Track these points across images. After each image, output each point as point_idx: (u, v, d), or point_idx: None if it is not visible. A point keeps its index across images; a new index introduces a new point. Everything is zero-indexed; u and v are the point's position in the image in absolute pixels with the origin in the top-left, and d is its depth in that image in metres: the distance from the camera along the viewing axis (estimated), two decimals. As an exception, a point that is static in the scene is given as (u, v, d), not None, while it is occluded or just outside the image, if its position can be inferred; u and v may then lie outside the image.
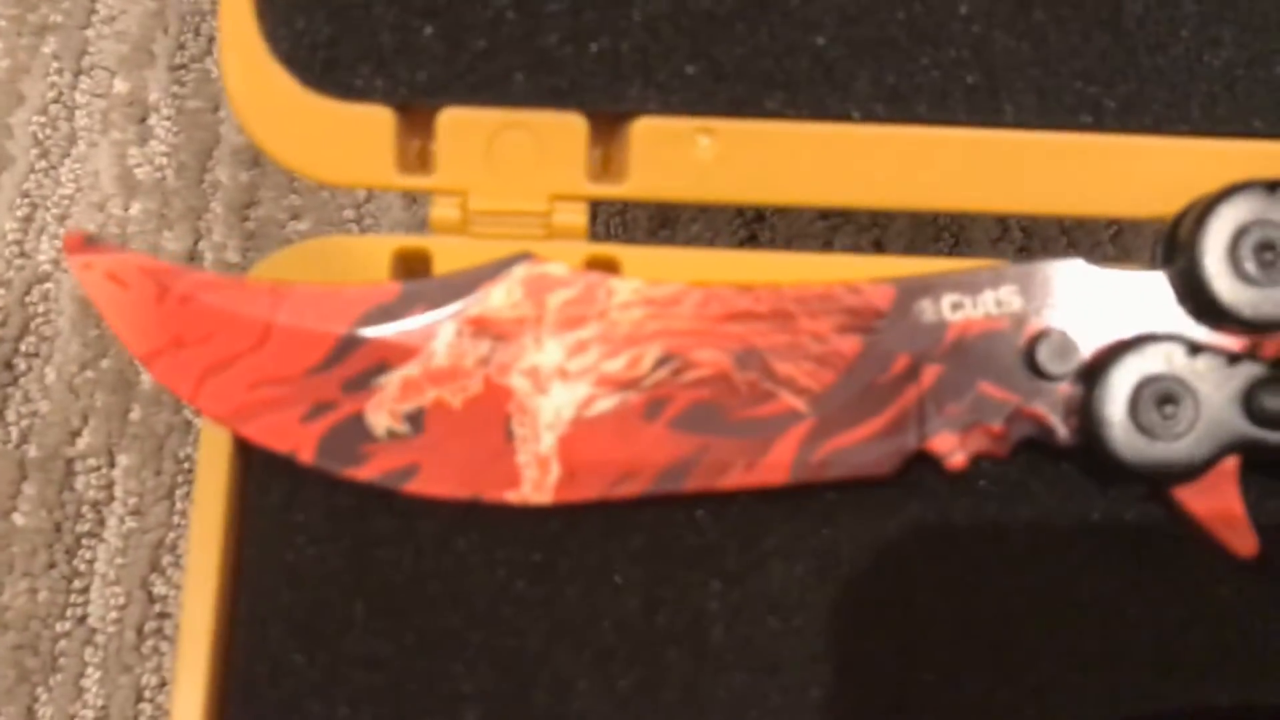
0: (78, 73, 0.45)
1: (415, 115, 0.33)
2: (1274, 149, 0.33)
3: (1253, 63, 0.33)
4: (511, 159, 0.33)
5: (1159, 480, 0.30)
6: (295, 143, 0.33)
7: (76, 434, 0.42)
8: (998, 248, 0.44)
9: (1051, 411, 0.30)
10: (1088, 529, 0.31)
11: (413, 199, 0.44)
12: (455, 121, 0.33)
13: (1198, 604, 0.30)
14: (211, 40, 0.45)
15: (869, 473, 0.30)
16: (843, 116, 0.33)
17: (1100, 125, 0.33)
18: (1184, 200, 0.31)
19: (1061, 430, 0.30)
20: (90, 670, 0.41)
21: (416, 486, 0.30)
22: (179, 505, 0.42)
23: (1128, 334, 0.30)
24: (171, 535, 0.41)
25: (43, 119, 0.45)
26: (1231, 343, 0.30)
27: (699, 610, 0.30)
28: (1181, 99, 0.33)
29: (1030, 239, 0.44)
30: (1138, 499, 0.31)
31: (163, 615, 0.41)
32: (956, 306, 0.30)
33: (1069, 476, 0.31)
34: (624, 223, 0.44)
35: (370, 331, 0.30)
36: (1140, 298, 0.30)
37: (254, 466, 0.31)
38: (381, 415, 0.30)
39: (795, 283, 0.31)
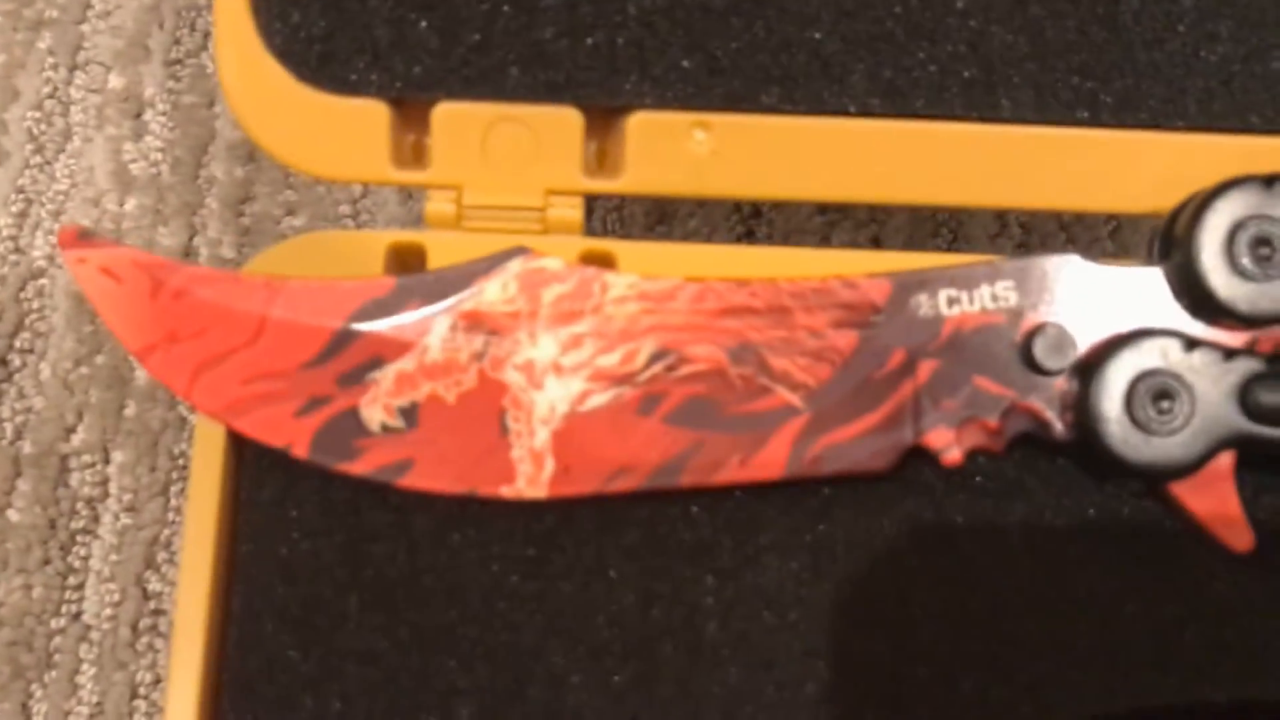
0: (73, 68, 0.45)
1: (410, 109, 0.33)
2: (1271, 144, 0.33)
3: (1249, 58, 0.33)
4: (506, 153, 0.33)
5: (1155, 476, 0.30)
6: (290, 137, 0.33)
7: (71, 430, 0.42)
8: (996, 243, 0.44)
9: (1047, 407, 0.30)
10: (1084, 525, 0.31)
11: (408, 194, 0.44)
12: (450, 116, 0.33)
13: (1194, 600, 0.30)
14: (207, 35, 0.45)
15: (864, 468, 0.30)
16: (839, 111, 0.33)
17: (1097, 120, 0.33)
18: (1181, 195, 0.31)
19: (1057, 425, 0.30)
20: (85, 667, 0.41)
21: (411, 481, 0.30)
22: (174, 502, 0.42)
23: (1124, 329, 0.30)
24: (166, 532, 0.41)
25: (38, 114, 0.45)
26: (1228, 338, 0.30)
27: (694, 605, 0.30)
28: (1178, 94, 0.33)
29: (1029, 235, 0.44)
30: (1134, 495, 0.31)
31: (157, 612, 0.41)
32: (952, 301, 0.30)
33: (1065, 472, 0.31)
34: (621, 218, 0.44)
35: (365, 326, 0.30)
36: (1136, 293, 0.30)
37: (248, 461, 0.31)
38: (376, 410, 0.30)
39: (791, 278, 0.31)
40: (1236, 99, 0.33)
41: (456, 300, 0.30)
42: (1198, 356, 0.30)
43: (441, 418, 0.30)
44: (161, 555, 0.41)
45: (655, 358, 0.30)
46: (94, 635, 0.41)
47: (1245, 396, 0.29)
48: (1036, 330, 0.30)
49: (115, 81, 0.45)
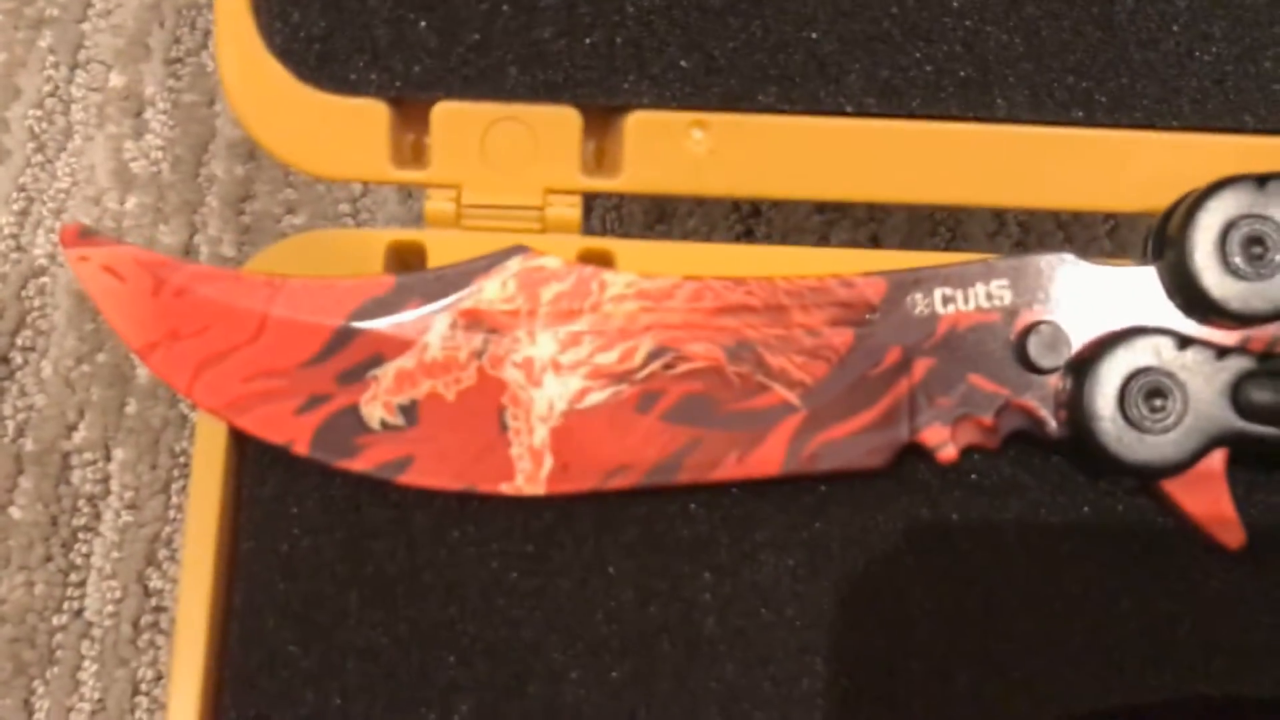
0: (74, 67, 0.45)
1: (410, 109, 0.33)
2: (1264, 144, 0.33)
3: (1243, 58, 0.33)
4: (505, 153, 0.33)
5: (1148, 473, 0.30)
6: (291, 136, 0.33)
7: (72, 428, 0.42)
8: (994, 242, 0.44)
9: (1042, 404, 0.30)
10: (1078, 522, 0.31)
11: (408, 193, 0.44)
12: (449, 115, 0.33)
13: (1186, 596, 0.31)
14: (207, 34, 0.45)
15: (860, 465, 0.31)
16: (836, 111, 0.33)
17: (1092, 120, 0.33)
18: (1175, 194, 0.31)
19: (1052, 423, 0.30)
20: (87, 663, 0.41)
21: (411, 478, 0.30)
22: (175, 499, 0.42)
23: (1118, 328, 0.30)
24: (167, 529, 0.41)
25: (39, 113, 0.45)
26: (1220, 336, 0.30)
27: (691, 602, 0.31)
28: (1172, 94, 0.33)
29: (1027, 233, 0.44)
30: (1127, 492, 0.31)
31: (159, 609, 0.41)
32: (948, 300, 0.31)
33: (1059, 469, 0.31)
34: (619, 217, 0.44)
35: (365, 324, 0.30)
36: (1130, 292, 0.31)
37: (249, 458, 0.31)
38: (376, 407, 0.30)
39: (788, 276, 0.31)
40: (1230, 99, 0.33)
41: (456, 298, 0.30)
42: (1190, 355, 0.30)
43: (441, 415, 0.30)
44: (162, 552, 0.41)
45: (653, 355, 0.31)
46: (96, 632, 0.41)
47: (1237, 394, 0.30)
48: (1031, 328, 0.30)
49: (116, 80, 0.45)
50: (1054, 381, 0.30)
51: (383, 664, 0.30)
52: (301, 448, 0.30)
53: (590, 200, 0.37)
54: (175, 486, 0.42)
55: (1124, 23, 0.33)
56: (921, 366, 0.30)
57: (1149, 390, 0.30)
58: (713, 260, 0.32)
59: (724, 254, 0.35)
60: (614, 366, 0.31)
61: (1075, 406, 0.30)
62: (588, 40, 0.33)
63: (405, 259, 0.33)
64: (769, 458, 0.30)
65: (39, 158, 0.45)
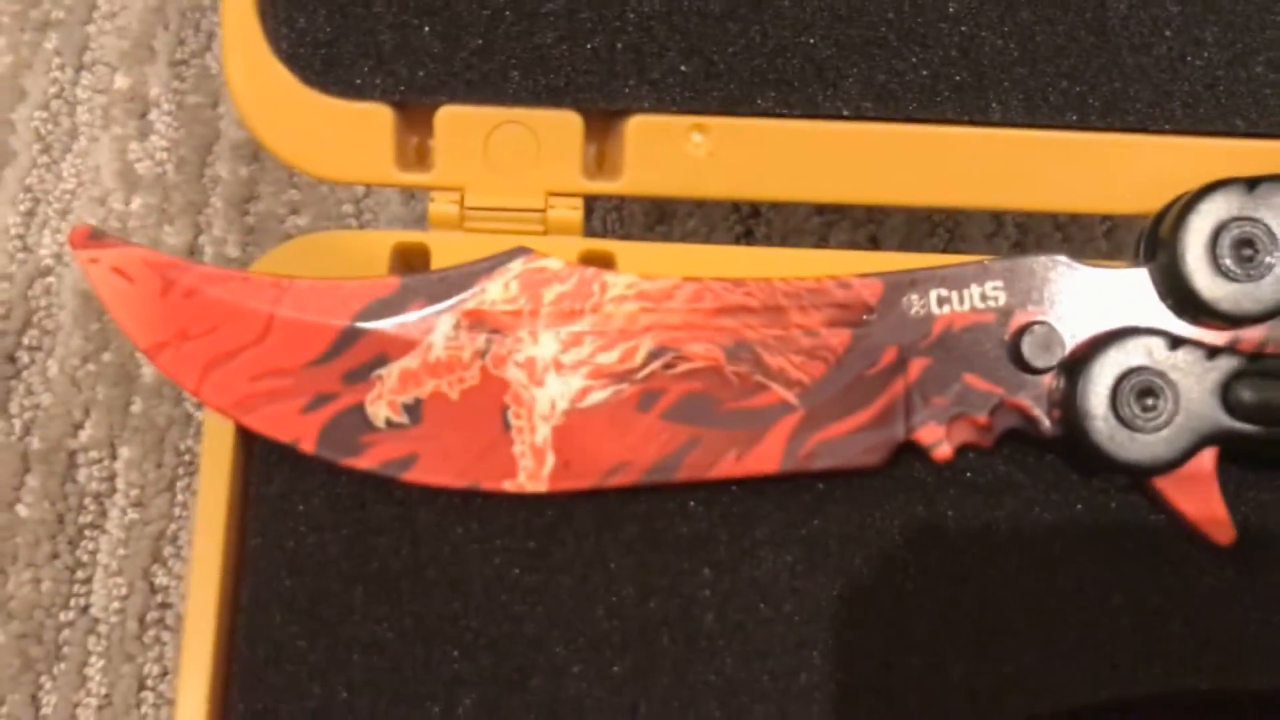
0: (79, 68, 0.45)
1: (414, 113, 0.33)
2: (1254, 147, 0.33)
3: (1234, 63, 0.33)
4: (508, 156, 0.33)
5: (1140, 471, 0.30)
6: (297, 140, 0.33)
7: (79, 427, 0.42)
8: (992, 243, 0.44)
9: (1035, 404, 0.31)
10: (1071, 519, 0.31)
11: (410, 194, 0.44)
12: (453, 119, 0.33)
13: (1177, 591, 0.31)
14: (211, 36, 0.45)
15: (857, 463, 0.31)
16: (833, 114, 0.33)
17: (1085, 124, 0.33)
18: (1167, 197, 0.32)
19: (1045, 422, 0.31)
20: (93, 659, 0.41)
21: (415, 476, 0.31)
22: (180, 497, 0.42)
23: (1110, 328, 0.31)
24: (172, 527, 0.41)
25: (44, 114, 0.45)
26: (1211, 337, 0.30)
27: (691, 597, 0.31)
28: (1164, 98, 0.33)
29: (1025, 235, 0.44)
30: (1119, 490, 0.31)
31: (164, 605, 0.41)
32: (943, 301, 0.31)
33: (1053, 467, 0.32)
34: (620, 219, 0.44)
35: (370, 325, 0.31)
36: (1123, 293, 0.31)
37: (256, 456, 0.32)
38: (381, 406, 0.30)
39: (786, 277, 0.31)
40: (1221, 103, 0.33)
41: (459, 299, 0.31)
42: (1181, 355, 0.30)
43: (445, 414, 0.30)
44: (168, 550, 0.41)
45: (653, 355, 0.31)
46: (102, 628, 0.41)
47: (1227, 394, 0.30)
48: (1025, 329, 0.31)
49: (121, 82, 0.45)
50: (1048, 381, 0.31)
51: (387, 658, 0.31)
52: (308, 446, 0.30)
53: (591, 202, 0.37)
54: (180, 484, 0.42)
55: (1117, 28, 0.33)
56: (917, 366, 0.31)
57: (1141, 389, 0.30)
58: (712, 262, 0.33)
59: (723, 255, 0.35)
60: (615, 366, 0.31)
61: (1068, 405, 0.30)
62: (589, 45, 0.33)
63: (409, 260, 0.33)
64: (767, 456, 0.31)
65: (45, 159, 0.45)
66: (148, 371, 0.43)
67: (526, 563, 0.31)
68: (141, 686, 0.41)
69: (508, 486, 0.31)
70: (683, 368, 0.31)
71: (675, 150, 0.33)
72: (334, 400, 0.30)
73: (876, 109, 0.33)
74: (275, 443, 0.31)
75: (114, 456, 0.42)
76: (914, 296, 0.31)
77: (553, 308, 0.31)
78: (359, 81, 0.33)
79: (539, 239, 0.33)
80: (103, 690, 0.41)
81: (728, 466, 0.31)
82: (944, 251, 0.44)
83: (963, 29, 0.33)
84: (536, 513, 0.31)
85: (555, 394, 0.31)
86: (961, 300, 0.31)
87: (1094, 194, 0.34)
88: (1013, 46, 0.33)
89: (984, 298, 0.31)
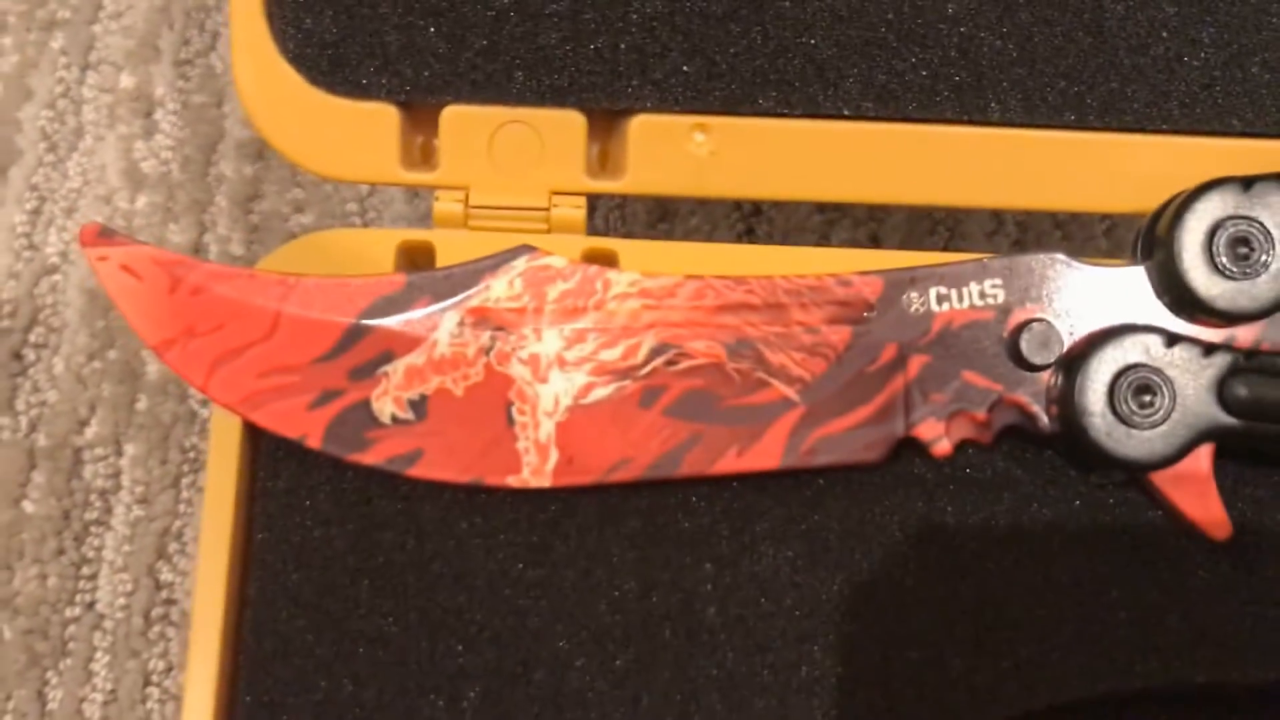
0: (85, 68, 0.45)
1: (419, 112, 0.33)
2: (1250, 146, 0.33)
3: (1230, 63, 0.33)
4: (512, 155, 0.33)
5: (1137, 467, 0.30)
6: (303, 139, 0.33)
7: (84, 423, 0.42)
8: (993, 241, 0.44)
9: (1034, 400, 0.31)
10: (1068, 514, 0.31)
11: (414, 192, 0.44)
12: (457, 119, 0.33)
13: (1174, 586, 0.31)
14: (216, 36, 0.45)
15: (857, 459, 0.31)
16: (834, 114, 0.33)
17: (1083, 123, 0.33)
18: (1165, 196, 0.32)
19: (1043, 418, 0.31)
20: (99, 655, 0.41)
21: (420, 471, 0.31)
22: (185, 494, 0.42)
23: (1107, 325, 0.31)
24: (178, 523, 0.42)
25: (50, 113, 0.45)
26: (1207, 334, 0.31)
27: (692, 592, 0.31)
28: (1161, 98, 0.33)
29: (1025, 233, 0.44)
30: (1117, 486, 0.32)
31: (169, 601, 0.41)
32: (942, 298, 0.31)
33: (1051, 464, 0.32)
34: (623, 217, 0.44)
35: (376, 322, 0.31)
36: (1120, 291, 0.31)
37: (263, 452, 0.32)
38: (386, 402, 0.31)
39: (787, 275, 0.32)
40: (1218, 103, 0.33)
41: (464, 297, 0.31)
42: (1178, 352, 0.30)
43: (450, 410, 0.31)
44: (173, 546, 0.41)
45: (656, 352, 0.31)
46: (107, 624, 0.41)
47: (1223, 390, 0.30)
48: (1023, 326, 0.31)
49: (126, 81, 0.45)
50: (1046, 378, 0.31)
51: (393, 651, 0.31)
52: (314, 442, 0.31)
53: (594, 201, 0.37)
54: (185, 481, 0.42)
55: (1114, 29, 0.33)
56: (917, 363, 0.31)
57: (1138, 386, 0.30)
58: (714, 260, 0.33)
59: (725, 253, 0.35)
60: (617, 363, 0.31)
61: (1066, 402, 0.30)
62: (592, 46, 0.33)
63: (414, 258, 0.33)
64: (768, 452, 0.31)
65: (51, 157, 0.45)
66: (153, 369, 0.43)
67: (530, 557, 0.31)
68: (147, 682, 0.41)
69: (511, 482, 0.31)
70: (684, 364, 0.31)
71: (677, 149, 0.33)
72: (340, 396, 0.31)
73: (876, 109, 0.33)
74: (282, 438, 0.31)
75: (119, 453, 0.42)
76: (914, 294, 0.31)
77: (556, 305, 0.31)
78: (365, 81, 0.33)
79: (543, 237, 0.33)
80: (108, 686, 0.41)
81: (729, 462, 0.31)
82: (944, 250, 0.44)
83: (962, 29, 0.33)
84: (540, 508, 0.31)
85: (559, 390, 0.31)
86: (961, 298, 0.31)
87: (1092, 193, 0.34)
88: (1011, 47, 0.33)
89: (983, 295, 0.31)
